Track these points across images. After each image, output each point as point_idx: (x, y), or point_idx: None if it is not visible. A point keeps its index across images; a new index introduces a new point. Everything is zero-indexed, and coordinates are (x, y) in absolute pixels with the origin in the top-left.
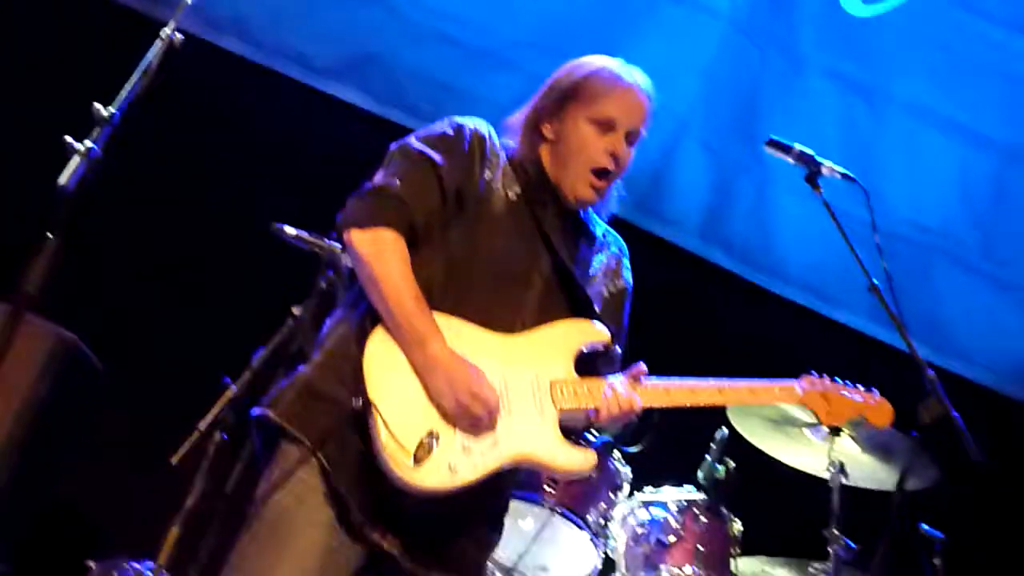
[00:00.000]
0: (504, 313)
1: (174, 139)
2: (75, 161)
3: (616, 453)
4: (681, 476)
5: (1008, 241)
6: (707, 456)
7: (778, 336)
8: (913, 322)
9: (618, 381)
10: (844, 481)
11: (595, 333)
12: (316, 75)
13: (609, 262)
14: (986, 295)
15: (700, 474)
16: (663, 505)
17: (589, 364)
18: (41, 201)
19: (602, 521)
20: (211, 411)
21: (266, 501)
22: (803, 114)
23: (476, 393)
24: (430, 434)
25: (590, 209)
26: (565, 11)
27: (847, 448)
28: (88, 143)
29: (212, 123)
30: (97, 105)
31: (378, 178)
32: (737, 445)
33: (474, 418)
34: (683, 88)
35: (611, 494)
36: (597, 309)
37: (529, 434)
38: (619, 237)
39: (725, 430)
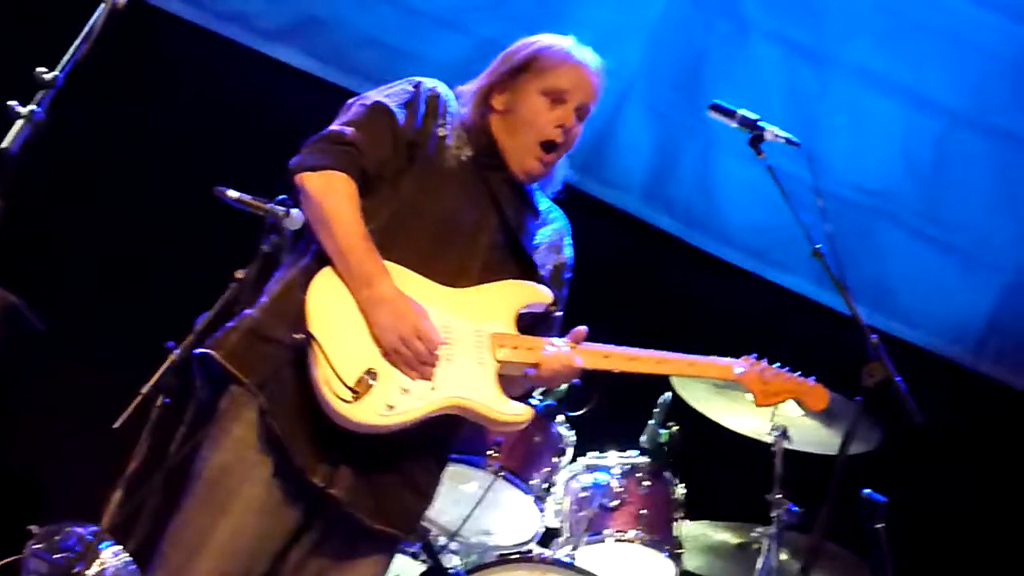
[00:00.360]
0: (447, 267)
1: (117, 102)
2: (18, 125)
3: (560, 417)
4: (625, 440)
5: (951, 204)
6: (651, 420)
7: (722, 300)
8: (856, 285)
9: (559, 341)
10: (787, 445)
11: (538, 294)
12: (260, 38)
13: (552, 236)
14: (929, 258)
15: (643, 438)
16: (606, 469)
17: (529, 326)
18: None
19: (545, 486)
20: (154, 375)
21: (207, 458)
22: (748, 78)
23: (420, 328)
24: (370, 371)
25: (535, 185)
26: None
27: (790, 412)
28: (32, 106)
29: (155, 86)
30: (40, 68)
31: (332, 125)
32: (680, 409)
33: (416, 354)
34: (628, 51)
35: (555, 458)
36: (542, 275)
37: (468, 382)
38: (562, 213)
39: (668, 395)
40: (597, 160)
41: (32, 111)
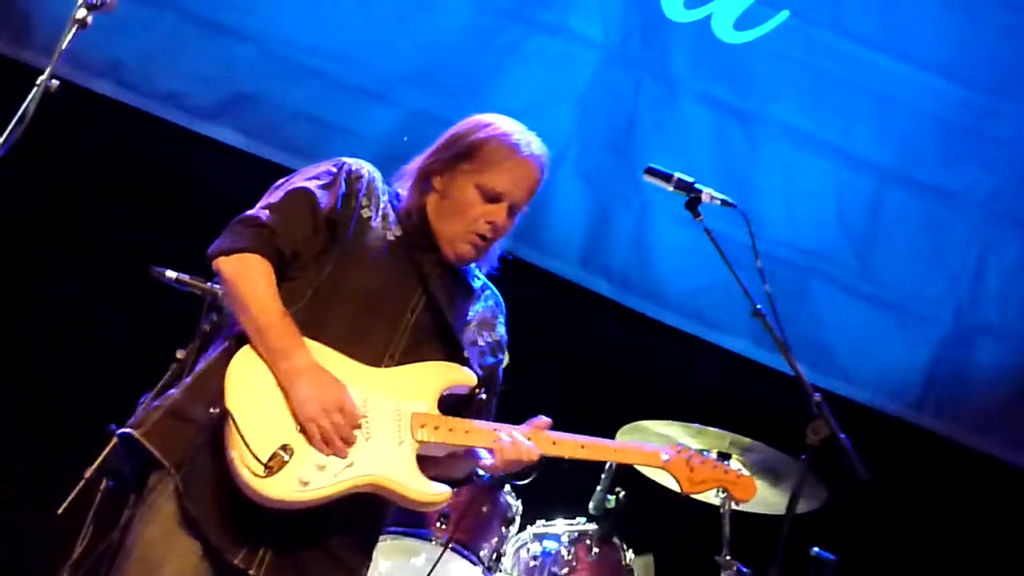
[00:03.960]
0: (370, 346)
1: (53, 185)
2: None
3: (507, 487)
4: (573, 508)
5: (885, 260)
6: (598, 487)
7: (664, 363)
8: (795, 344)
9: (515, 429)
10: (734, 506)
11: (461, 376)
12: (191, 116)
13: (484, 313)
14: (865, 315)
15: (591, 505)
16: (556, 537)
17: (453, 407)
18: None
19: (495, 556)
20: (97, 458)
21: (136, 533)
22: (679, 140)
23: (339, 400)
24: (285, 447)
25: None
26: (440, 45)
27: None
28: None
29: (90, 168)
30: None
31: (250, 210)
32: (627, 474)
33: (335, 426)
34: (559, 117)
35: (503, 528)
36: (468, 355)
37: (385, 460)
38: (496, 292)
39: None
40: (532, 227)
41: None
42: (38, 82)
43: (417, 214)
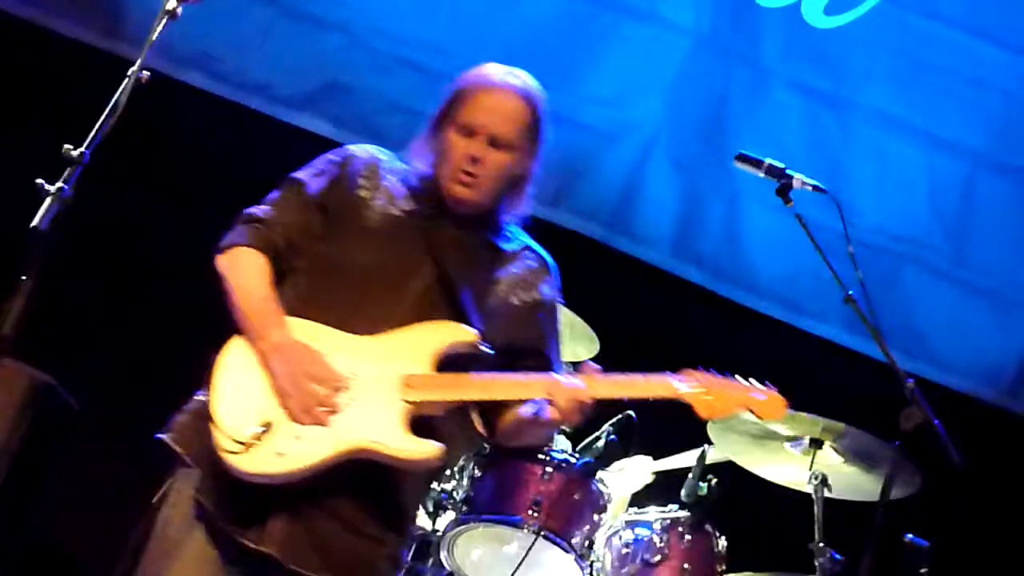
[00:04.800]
0: (369, 319)
1: (145, 175)
2: (47, 202)
3: (599, 474)
4: (665, 495)
5: (979, 246)
6: (690, 474)
7: (755, 351)
8: (888, 331)
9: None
10: (827, 493)
11: (460, 334)
12: (281, 106)
13: (521, 273)
14: (959, 301)
15: (683, 492)
16: (648, 525)
17: (462, 367)
18: (14, 244)
19: (587, 543)
20: None
21: (160, 516)
22: (770, 127)
23: (310, 370)
24: (266, 424)
25: (507, 225)
26: (529, 33)
27: (829, 460)
28: (60, 184)
29: (180, 159)
30: (67, 146)
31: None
32: (719, 461)
33: (309, 395)
34: (649, 105)
35: (595, 515)
36: (486, 316)
37: (369, 425)
38: (544, 253)
39: (707, 447)
40: (624, 215)
41: (60, 188)
42: (129, 73)
43: (428, 183)
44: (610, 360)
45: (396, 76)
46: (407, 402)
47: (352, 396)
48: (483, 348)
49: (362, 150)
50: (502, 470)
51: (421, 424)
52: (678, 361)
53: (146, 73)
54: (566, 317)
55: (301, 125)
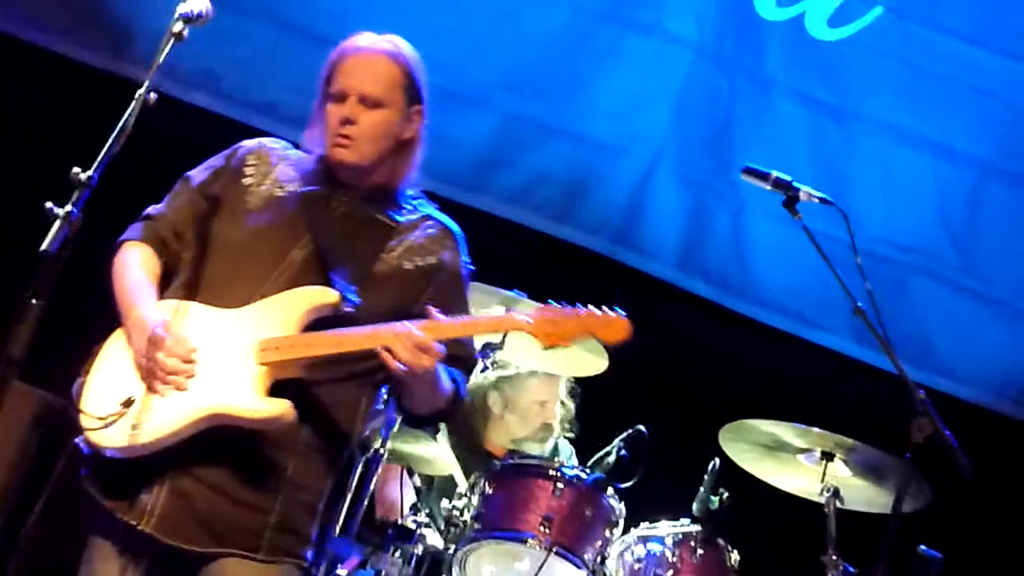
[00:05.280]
0: (239, 292)
1: (149, 196)
2: (56, 225)
3: (610, 490)
4: (676, 509)
5: (987, 256)
6: (701, 488)
7: (763, 363)
8: (897, 341)
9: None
10: (839, 505)
11: (321, 296)
12: (287, 125)
13: (420, 242)
14: (968, 311)
15: (695, 506)
16: (659, 539)
17: (330, 328)
18: (23, 266)
19: (599, 558)
20: None
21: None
22: (775, 139)
23: (162, 345)
24: (127, 401)
25: (407, 198)
26: (535, 49)
27: (840, 472)
28: (68, 207)
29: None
30: (76, 169)
31: None
32: (731, 474)
33: (157, 364)
34: (655, 119)
35: (607, 531)
36: (381, 286)
37: (222, 390)
38: (448, 222)
39: (718, 460)
40: (630, 229)
41: (69, 211)
42: (137, 95)
43: (320, 163)
44: (620, 375)
45: None
46: (261, 364)
47: (210, 365)
48: (347, 309)
49: (254, 142)
50: (513, 486)
51: (304, 391)
52: (687, 375)
53: (153, 95)
54: None
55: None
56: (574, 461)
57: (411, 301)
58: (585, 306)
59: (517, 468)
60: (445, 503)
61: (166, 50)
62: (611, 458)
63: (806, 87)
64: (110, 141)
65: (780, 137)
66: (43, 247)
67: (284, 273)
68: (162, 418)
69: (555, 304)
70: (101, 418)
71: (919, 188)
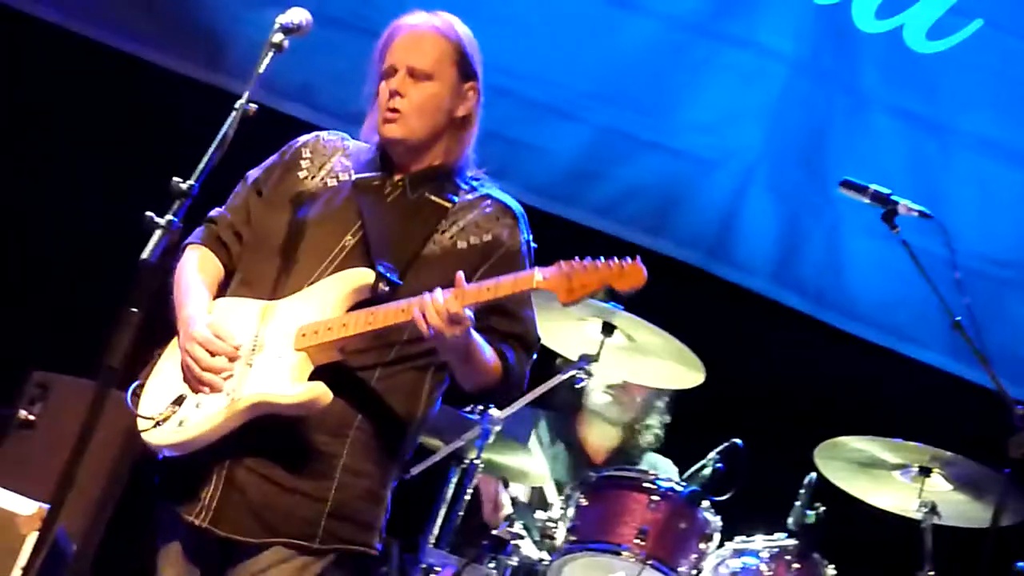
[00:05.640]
0: (294, 282)
1: None
2: (157, 235)
3: (705, 503)
4: (771, 523)
5: None
6: (797, 502)
7: (860, 378)
8: (994, 357)
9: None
10: (936, 521)
11: (358, 277)
12: None
13: (476, 220)
14: None
15: (790, 520)
16: (755, 553)
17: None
18: (123, 276)
19: (694, 572)
20: None
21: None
22: (871, 153)
23: (193, 338)
24: (178, 399)
25: (465, 180)
26: (627, 62)
27: (938, 487)
28: (169, 216)
29: None
30: (176, 179)
31: None
32: (826, 488)
33: (197, 360)
34: (749, 133)
35: (701, 544)
36: (432, 266)
37: (262, 380)
38: (508, 201)
39: (814, 475)
40: (724, 242)
41: (170, 221)
42: (236, 106)
43: (375, 149)
44: (715, 387)
45: (494, 106)
46: (299, 351)
47: (253, 357)
48: (385, 289)
49: (310, 135)
50: (608, 499)
51: (356, 378)
52: (782, 390)
53: (253, 106)
54: (671, 344)
55: None
56: (673, 474)
57: (372, 280)
58: (610, 259)
59: (612, 480)
60: (540, 514)
61: (265, 61)
62: (707, 471)
63: (903, 101)
64: (210, 151)
65: (876, 151)
66: (143, 256)
67: (334, 262)
68: (207, 412)
69: (573, 260)
70: (152, 418)
71: (1016, 202)
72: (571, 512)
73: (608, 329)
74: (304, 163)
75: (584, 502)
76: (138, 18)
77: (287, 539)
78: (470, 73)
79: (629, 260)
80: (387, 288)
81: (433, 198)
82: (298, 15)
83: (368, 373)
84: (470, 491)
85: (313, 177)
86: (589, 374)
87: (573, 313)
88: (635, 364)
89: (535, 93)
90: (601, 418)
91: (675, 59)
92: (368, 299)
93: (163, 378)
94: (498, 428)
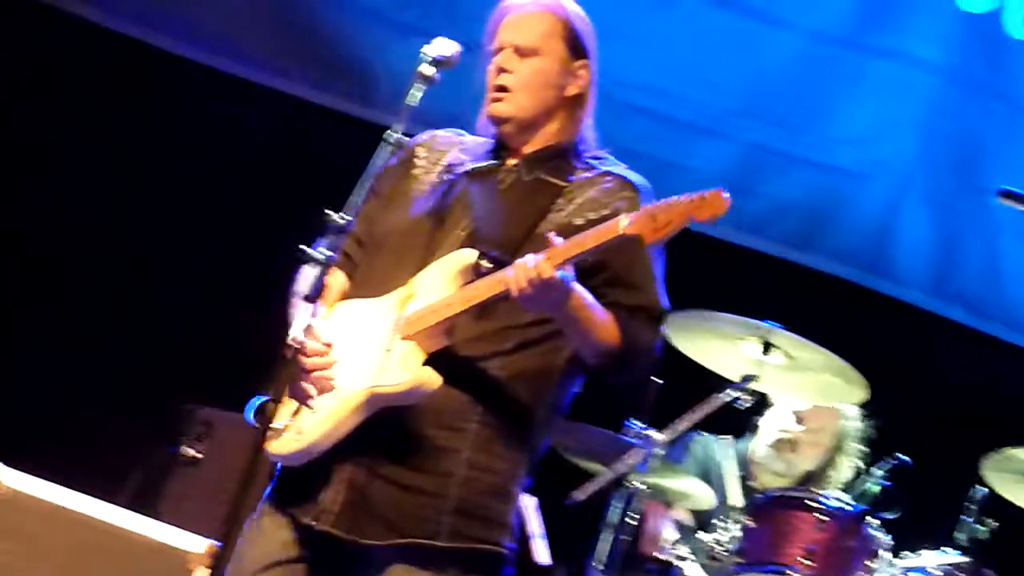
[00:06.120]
0: (402, 277)
1: None
2: (313, 269)
3: (872, 520)
4: (941, 539)
5: None
6: (966, 517)
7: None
8: None
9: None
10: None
11: (461, 259)
12: None
13: (595, 196)
14: None
15: (960, 536)
16: (923, 570)
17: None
18: (277, 309)
19: None
20: None
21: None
22: None
23: (295, 343)
24: (296, 410)
25: (583, 158)
26: (774, 77)
27: None
28: (325, 251)
29: None
30: (329, 212)
31: None
32: (996, 503)
33: (299, 366)
34: (901, 146)
35: (869, 562)
36: (542, 241)
37: (369, 372)
38: (630, 176)
39: (984, 489)
40: (881, 256)
41: (326, 255)
42: (387, 138)
43: (491, 140)
44: (878, 402)
45: (636, 124)
46: (405, 339)
47: (363, 353)
48: (487, 266)
49: (426, 134)
50: (775, 519)
51: (475, 368)
52: (946, 403)
53: (405, 139)
54: (832, 362)
55: None
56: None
57: (473, 259)
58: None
59: (778, 500)
60: (705, 536)
61: (417, 93)
62: (874, 488)
63: None
64: (362, 183)
65: None
66: (303, 291)
67: (445, 253)
68: (321, 415)
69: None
70: (276, 430)
71: None
72: (738, 533)
73: (767, 348)
74: (419, 161)
75: (751, 523)
76: (280, 53)
77: (410, 539)
78: (580, 50)
79: (711, 189)
80: (491, 266)
81: (549, 178)
82: (446, 46)
83: (487, 363)
84: (634, 515)
85: (428, 173)
86: (751, 394)
87: (731, 333)
88: (796, 382)
89: (681, 112)
90: (769, 470)
91: (823, 73)
92: (472, 281)
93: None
94: (660, 451)
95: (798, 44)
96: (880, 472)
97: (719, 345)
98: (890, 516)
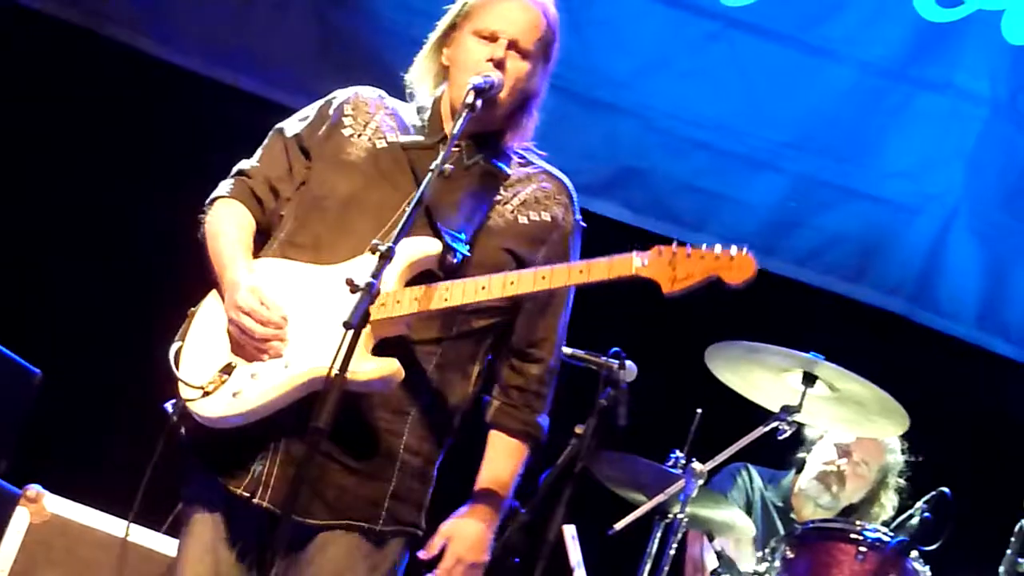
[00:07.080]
0: (349, 247)
1: None
2: (359, 297)
3: (914, 552)
4: (982, 572)
5: None
6: (1008, 550)
7: None
8: None
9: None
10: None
11: (424, 247)
12: (582, 193)
13: (535, 195)
14: None
15: (1002, 569)
16: None
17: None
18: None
19: None
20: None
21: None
22: None
23: (253, 309)
24: (226, 368)
25: (519, 150)
26: (824, 110)
27: None
28: (368, 279)
29: None
30: (375, 240)
31: None
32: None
33: (248, 331)
34: (949, 177)
35: None
36: (494, 239)
37: (325, 352)
38: (562, 177)
39: None
40: (927, 288)
41: (369, 283)
42: (432, 167)
43: (426, 111)
44: (920, 436)
45: (690, 158)
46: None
47: (311, 326)
48: (451, 260)
49: (348, 91)
50: (815, 550)
51: (415, 352)
52: (990, 435)
53: (449, 167)
54: (874, 394)
55: (597, 211)
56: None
57: (525, 255)
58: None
59: (819, 532)
60: (747, 567)
61: (461, 123)
62: (915, 520)
63: None
64: (408, 211)
65: None
66: (345, 319)
67: (393, 228)
68: (264, 384)
69: (675, 245)
70: (201, 387)
71: None
72: (777, 564)
73: (810, 380)
74: (347, 120)
75: (790, 554)
76: (317, 78)
77: (351, 521)
78: (550, 56)
79: (737, 250)
80: (455, 260)
81: (488, 167)
82: (491, 75)
83: (433, 347)
84: (675, 545)
85: (359, 135)
86: (792, 424)
87: (775, 364)
88: (839, 414)
89: (731, 145)
90: (813, 502)
91: (872, 105)
92: (431, 271)
93: (205, 340)
94: (701, 482)
95: (849, 77)
96: (921, 504)
97: (763, 376)
98: (931, 548)
